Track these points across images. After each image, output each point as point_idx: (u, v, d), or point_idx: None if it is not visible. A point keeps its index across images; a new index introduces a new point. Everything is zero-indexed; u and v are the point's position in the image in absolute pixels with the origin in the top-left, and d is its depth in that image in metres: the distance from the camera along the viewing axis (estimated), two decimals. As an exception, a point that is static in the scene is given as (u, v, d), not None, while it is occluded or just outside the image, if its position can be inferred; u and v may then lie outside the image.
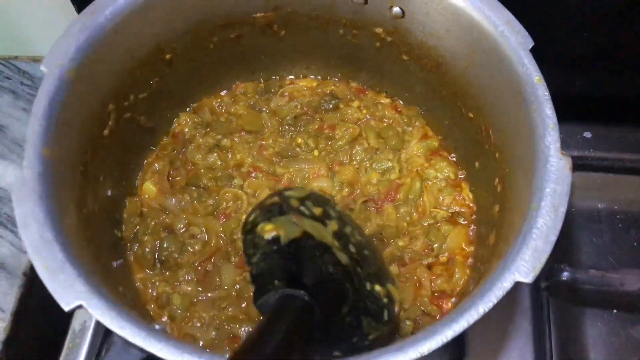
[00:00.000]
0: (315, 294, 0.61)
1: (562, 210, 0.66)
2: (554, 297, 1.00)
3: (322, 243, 0.69)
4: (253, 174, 0.99)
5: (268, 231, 0.68)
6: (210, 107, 1.07)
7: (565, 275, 0.93)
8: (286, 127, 1.03)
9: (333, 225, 0.73)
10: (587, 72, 1.05)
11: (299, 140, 1.01)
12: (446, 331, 0.59)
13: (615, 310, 1.00)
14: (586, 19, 0.96)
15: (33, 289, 1.01)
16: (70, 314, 1.03)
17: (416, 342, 0.58)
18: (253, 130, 1.03)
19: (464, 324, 0.60)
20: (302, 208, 0.72)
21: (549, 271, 0.95)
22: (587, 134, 1.13)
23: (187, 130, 1.03)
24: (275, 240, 0.67)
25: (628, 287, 0.91)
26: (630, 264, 0.97)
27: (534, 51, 0.77)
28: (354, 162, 1.00)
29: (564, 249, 1.05)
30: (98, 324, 0.99)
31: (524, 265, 0.63)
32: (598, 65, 1.08)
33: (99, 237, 0.82)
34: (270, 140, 1.01)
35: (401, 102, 1.08)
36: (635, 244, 1.07)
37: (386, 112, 1.06)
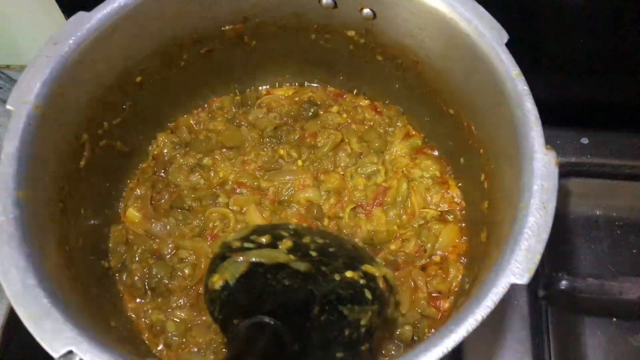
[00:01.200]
0: (274, 313, 0.62)
1: (552, 206, 0.65)
2: (552, 306, 0.98)
3: (275, 264, 0.71)
4: (238, 190, 0.97)
5: (216, 282, 0.70)
6: (187, 126, 1.05)
7: (563, 284, 0.91)
8: (267, 139, 1.02)
9: (286, 243, 0.75)
10: (584, 79, 1.03)
11: (282, 152, 1.00)
12: (446, 342, 0.59)
13: (614, 319, 0.99)
14: (582, 25, 0.95)
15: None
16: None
17: (416, 357, 0.57)
18: (234, 145, 1.02)
19: (463, 333, 0.59)
20: (245, 244, 0.74)
21: (547, 280, 0.94)
22: (584, 140, 1.10)
23: (166, 151, 1.01)
24: (225, 286, 0.69)
25: (627, 296, 0.90)
26: (629, 272, 0.95)
27: (510, 46, 0.76)
28: (339, 169, 0.99)
29: (561, 257, 1.04)
30: None
31: (518, 267, 0.62)
32: (594, 72, 1.06)
33: (85, 273, 0.80)
34: (252, 155, 1.00)
35: (380, 103, 1.06)
36: (634, 251, 1.05)
37: (366, 115, 1.04)
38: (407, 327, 0.85)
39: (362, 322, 0.70)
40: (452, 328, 0.59)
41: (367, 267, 0.76)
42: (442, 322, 0.86)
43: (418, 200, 0.97)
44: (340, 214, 0.95)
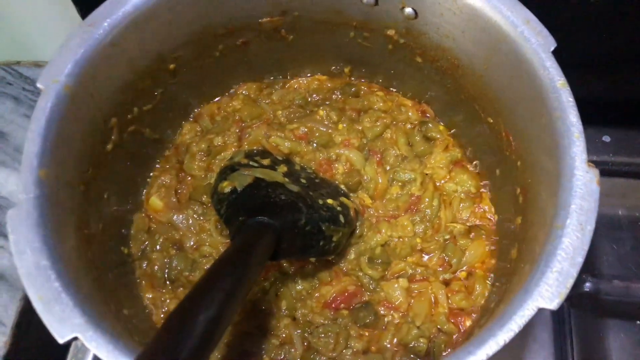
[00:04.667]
0: (274, 216, 0.76)
1: (590, 228, 0.61)
2: (576, 309, 0.97)
3: (274, 182, 0.84)
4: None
5: (226, 187, 0.82)
6: (210, 114, 1.02)
7: (587, 286, 0.90)
8: (293, 108, 0.99)
9: (282, 168, 0.89)
10: (606, 75, 1.01)
11: (321, 112, 0.96)
12: (463, 364, 0.55)
13: (639, 322, 0.97)
14: (605, 20, 0.91)
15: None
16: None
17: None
18: (252, 117, 0.99)
19: (483, 357, 0.55)
20: (250, 162, 0.87)
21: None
22: (606, 138, 1.10)
23: (187, 139, 1.00)
24: (233, 191, 0.81)
25: None
26: None
27: (556, 53, 0.72)
28: (387, 167, 0.95)
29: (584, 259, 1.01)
30: None
31: (548, 290, 0.58)
32: (617, 68, 1.04)
33: (103, 257, 0.79)
34: (276, 124, 0.98)
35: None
36: None
37: (410, 114, 1.00)
38: (422, 340, 0.82)
39: (334, 239, 0.84)
40: (471, 350, 0.56)
41: (343, 199, 0.90)
42: (461, 338, 0.83)
43: (447, 215, 0.93)
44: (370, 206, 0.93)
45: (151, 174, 0.97)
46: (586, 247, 0.60)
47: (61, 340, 0.57)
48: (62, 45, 0.75)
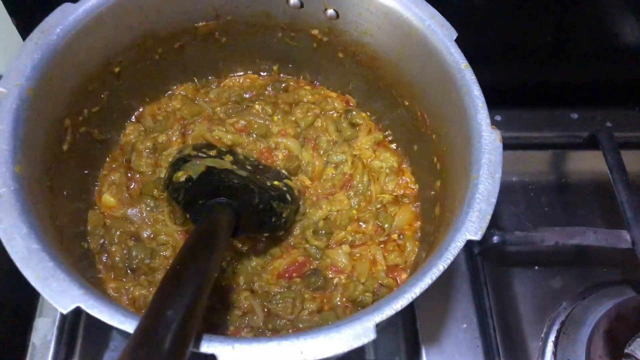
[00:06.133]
0: (231, 197, 0.85)
1: (498, 175, 0.76)
2: (487, 261, 1.15)
3: (224, 169, 0.93)
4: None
5: (180, 176, 0.89)
6: (152, 114, 1.09)
7: (495, 239, 1.06)
8: (230, 104, 1.08)
9: (228, 157, 0.97)
10: (494, 65, 1.21)
11: (257, 107, 1.06)
12: (414, 289, 0.68)
13: (536, 267, 1.18)
14: (489, 18, 1.12)
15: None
16: (28, 329, 1.04)
17: (390, 301, 0.66)
18: (193, 115, 1.07)
19: (428, 281, 0.68)
20: (199, 154, 0.95)
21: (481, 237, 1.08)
22: (498, 117, 1.33)
23: (132, 138, 1.06)
24: (189, 179, 0.89)
25: (547, 243, 1.07)
26: (544, 225, 1.11)
27: (458, 42, 0.88)
28: (321, 152, 1.07)
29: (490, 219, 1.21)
30: (60, 338, 1.02)
31: (472, 226, 0.73)
32: (502, 59, 1.28)
33: (72, 249, 0.84)
34: (215, 119, 1.07)
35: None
36: (546, 209, 1.26)
37: (336, 104, 1.13)
38: (367, 294, 0.94)
39: (284, 215, 0.94)
40: (419, 277, 0.69)
41: (287, 181, 1.01)
42: (401, 289, 0.96)
43: (376, 188, 1.06)
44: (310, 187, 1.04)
45: (101, 173, 1.02)
46: (496, 190, 0.75)
47: (64, 310, 0.62)
48: (19, 50, 0.79)
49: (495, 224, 1.21)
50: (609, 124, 1.35)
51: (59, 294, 0.64)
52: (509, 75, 1.33)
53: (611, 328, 0.98)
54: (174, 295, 0.62)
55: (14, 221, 0.67)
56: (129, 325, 0.62)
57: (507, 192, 1.27)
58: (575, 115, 1.36)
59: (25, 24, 0.83)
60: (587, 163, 1.32)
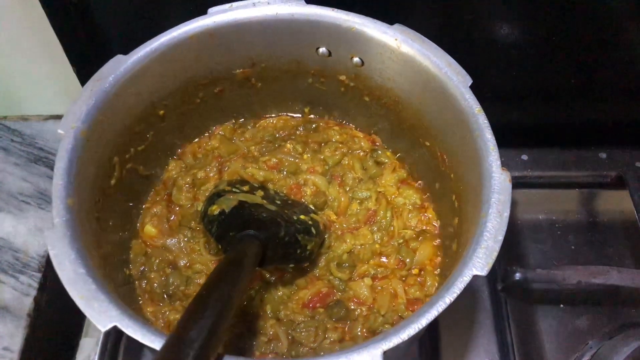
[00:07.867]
0: (259, 230, 0.91)
1: (506, 214, 0.80)
2: (510, 298, 1.17)
3: (255, 203, 0.99)
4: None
5: (215, 210, 0.96)
6: (192, 152, 1.19)
7: (517, 275, 1.08)
8: (264, 144, 1.17)
9: (259, 193, 1.04)
10: (520, 105, 1.26)
11: (289, 146, 1.14)
12: (421, 320, 0.72)
13: (561, 305, 1.18)
14: (513, 59, 1.15)
15: (37, 329, 1.11)
16: (73, 350, 1.13)
17: (398, 330, 0.71)
18: (229, 153, 1.17)
19: (435, 312, 0.73)
20: (233, 189, 1.02)
21: (503, 273, 1.11)
22: (524, 157, 1.35)
23: (174, 174, 1.15)
24: (222, 212, 0.96)
25: (569, 281, 1.08)
26: (569, 264, 1.13)
27: (473, 88, 0.93)
28: (347, 188, 1.13)
29: (514, 256, 1.23)
30: (102, 357, 1.10)
31: (479, 262, 0.77)
32: (528, 98, 1.31)
33: (114, 275, 0.93)
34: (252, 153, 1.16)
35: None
36: (572, 247, 1.26)
37: (362, 144, 1.19)
38: (387, 326, 0.98)
39: (308, 247, 0.99)
40: (426, 309, 0.73)
41: (313, 215, 1.06)
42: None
43: (399, 223, 1.11)
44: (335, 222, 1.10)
45: (144, 205, 1.12)
46: (504, 229, 0.79)
47: (103, 329, 0.70)
48: (77, 97, 0.90)
49: (520, 261, 1.23)
50: (638, 164, 1.35)
51: (99, 314, 0.72)
52: (535, 115, 1.38)
53: (637, 368, 0.99)
54: (198, 318, 0.69)
55: (65, 248, 0.76)
56: (158, 344, 0.70)
57: (533, 230, 1.29)
58: (603, 155, 1.37)
59: (84, 72, 0.94)
60: (615, 202, 1.32)
